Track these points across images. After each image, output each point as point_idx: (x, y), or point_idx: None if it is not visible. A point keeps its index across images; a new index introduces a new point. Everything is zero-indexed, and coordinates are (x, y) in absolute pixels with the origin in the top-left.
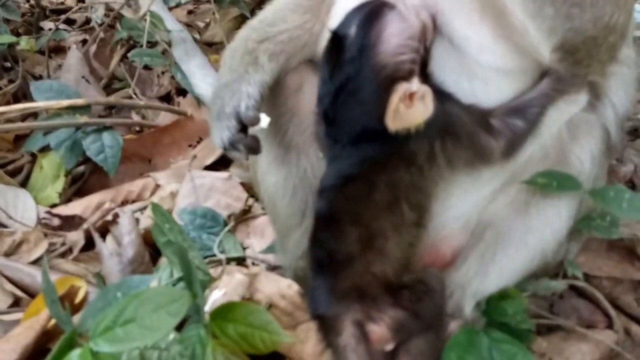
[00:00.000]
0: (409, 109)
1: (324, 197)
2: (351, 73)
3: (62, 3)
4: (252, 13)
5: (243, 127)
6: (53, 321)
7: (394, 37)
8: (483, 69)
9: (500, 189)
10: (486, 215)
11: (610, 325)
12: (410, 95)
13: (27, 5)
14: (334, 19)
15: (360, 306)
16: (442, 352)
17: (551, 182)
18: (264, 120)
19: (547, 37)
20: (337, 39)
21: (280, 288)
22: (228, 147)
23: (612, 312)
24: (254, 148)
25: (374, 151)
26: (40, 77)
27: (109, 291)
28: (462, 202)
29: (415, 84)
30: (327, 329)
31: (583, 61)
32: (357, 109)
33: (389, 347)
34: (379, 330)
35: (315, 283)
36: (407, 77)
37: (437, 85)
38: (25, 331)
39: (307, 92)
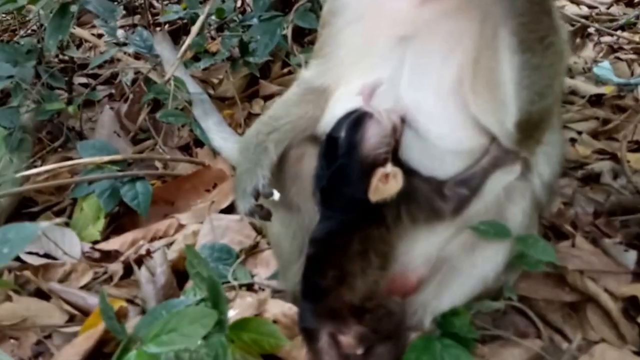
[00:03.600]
0: (385, 185)
1: (313, 245)
2: (343, 163)
3: (87, 57)
4: (261, 72)
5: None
6: (106, 332)
7: (373, 137)
8: (440, 152)
9: (454, 234)
10: (443, 253)
11: (539, 336)
12: (386, 176)
13: (56, 60)
14: (329, 117)
15: (333, 322)
16: (402, 356)
17: (489, 229)
18: (276, 194)
19: (516, 113)
20: (331, 139)
21: (283, 309)
22: (248, 214)
23: (540, 325)
24: (265, 218)
25: (354, 215)
26: (73, 129)
27: (156, 310)
28: (424, 245)
29: (389, 167)
30: (309, 337)
31: (525, 139)
32: (347, 187)
33: (359, 351)
34: (346, 339)
35: (303, 305)
36: (383, 163)
37: (405, 164)
38: (85, 340)
39: (307, 161)
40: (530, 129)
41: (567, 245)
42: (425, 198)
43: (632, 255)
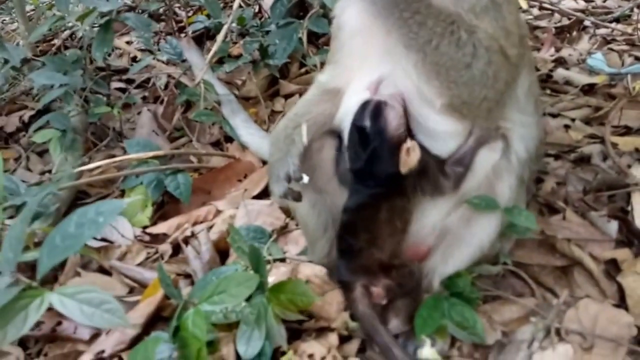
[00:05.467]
0: (409, 157)
1: (346, 213)
2: (375, 145)
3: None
4: (280, 72)
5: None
6: (163, 300)
7: (393, 120)
8: (436, 132)
9: (454, 207)
10: (446, 224)
11: (533, 295)
12: (408, 149)
13: (92, 67)
14: (344, 112)
15: (365, 276)
16: (416, 310)
17: (481, 202)
18: (305, 178)
19: (437, 98)
20: (359, 129)
21: (314, 271)
22: (282, 196)
23: (534, 286)
24: (297, 198)
25: (380, 189)
26: (113, 129)
27: (207, 276)
28: (431, 217)
29: (409, 142)
30: (346, 289)
31: (467, 117)
32: (382, 165)
33: (384, 302)
34: (377, 290)
35: (339, 263)
36: (404, 139)
37: (417, 141)
38: (147, 305)
39: (326, 151)
40: (470, 108)
41: (558, 218)
42: (432, 175)
43: (614, 225)
